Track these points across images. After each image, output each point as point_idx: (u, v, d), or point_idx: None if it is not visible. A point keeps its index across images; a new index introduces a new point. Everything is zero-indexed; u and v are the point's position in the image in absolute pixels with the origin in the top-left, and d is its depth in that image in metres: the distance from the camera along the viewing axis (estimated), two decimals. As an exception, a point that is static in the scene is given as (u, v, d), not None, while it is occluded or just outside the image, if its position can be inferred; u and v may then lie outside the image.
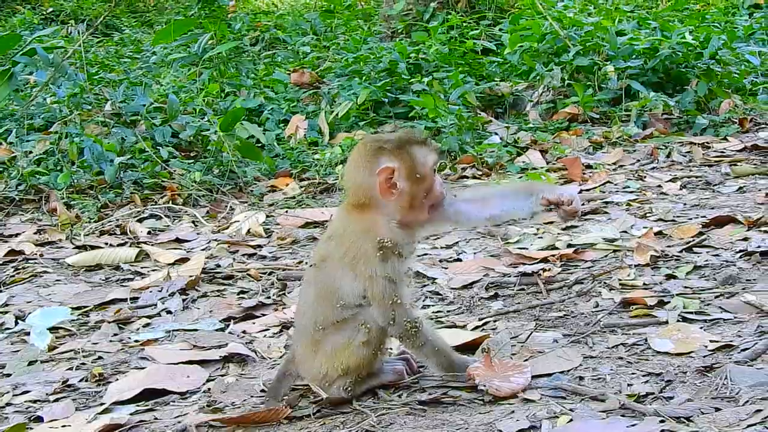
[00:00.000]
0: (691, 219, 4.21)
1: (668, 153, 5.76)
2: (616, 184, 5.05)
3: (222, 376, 2.88)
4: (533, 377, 2.57)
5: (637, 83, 6.99)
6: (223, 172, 5.52)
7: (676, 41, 7.34)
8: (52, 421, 2.64)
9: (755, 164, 5.39)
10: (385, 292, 2.47)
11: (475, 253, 3.98)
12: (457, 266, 3.79)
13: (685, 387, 2.43)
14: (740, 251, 3.64)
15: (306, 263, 4.01)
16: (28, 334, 3.39)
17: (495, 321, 3.15)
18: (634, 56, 7.26)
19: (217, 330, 3.30)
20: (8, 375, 3.04)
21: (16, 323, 3.51)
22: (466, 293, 3.49)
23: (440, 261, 3.89)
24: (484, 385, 2.46)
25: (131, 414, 2.63)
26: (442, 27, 8.35)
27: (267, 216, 4.82)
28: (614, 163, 5.62)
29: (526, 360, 2.70)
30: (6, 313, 3.64)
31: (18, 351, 3.24)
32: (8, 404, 2.79)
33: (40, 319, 3.47)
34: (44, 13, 13.78)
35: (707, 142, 6.09)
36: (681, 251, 3.71)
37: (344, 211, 2.62)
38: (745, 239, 3.79)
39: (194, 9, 8.16)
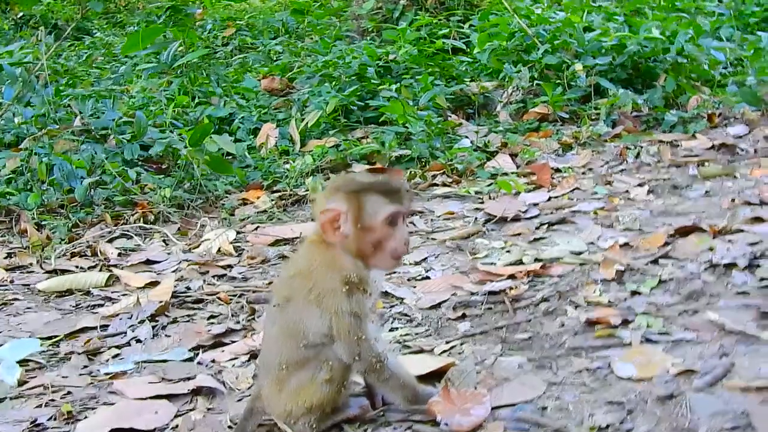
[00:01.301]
0: (657, 227, 4.25)
1: (637, 153, 5.80)
2: (584, 190, 5.09)
3: (190, 410, 2.90)
4: (497, 408, 2.60)
5: (606, 80, 7.04)
6: (194, 186, 5.51)
7: (644, 36, 7.39)
8: (21, 463, 2.65)
9: (722, 164, 5.44)
10: (351, 328, 2.49)
11: (443, 269, 4.01)
12: (426, 284, 3.82)
13: (645, 417, 2.46)
14: (705, 262, 3.67)
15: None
16: (-2, 367, 3.39)
17: (462, 344, 3.18)
18: (602, 52, 7.30)
19: (185, 360, 3.31)
20: (-23, 414, 3.04)
21: (-14, 356, 3.51)
22: (433, 314, 3.52)
23: (408, 279, 3.91)
24: (446, 423, 2.49)
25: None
26: (411, 27, 8.35)
27: (237, 233, 4.82)
28: (583, 166, 5.66)
29: (489, 389, 2.73)
30: (-24, 344, 3.64)
31: (-13, 387, 3.24)
32: (-23, 447, 2.80)
33: (9, 352, 3.46)
34: (14, 18, 13.68)
35: (676, 140, 6.14)
36: (647, 263, 3.74)
37: (309, 246, 2.63)
38: (711, 249, 3.83)
39: (162, 18, 8.13)
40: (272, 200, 5.36)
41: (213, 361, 3.28)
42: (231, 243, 4.63)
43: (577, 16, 7.98)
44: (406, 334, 3.34)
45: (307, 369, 2.52)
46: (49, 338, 3.64)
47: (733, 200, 4.54)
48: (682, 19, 8.74)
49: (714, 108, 6.70)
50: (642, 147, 5.93)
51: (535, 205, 4.86)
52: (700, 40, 7.46)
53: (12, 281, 4.38)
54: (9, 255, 4.77)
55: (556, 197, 5.01)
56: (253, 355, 3.27)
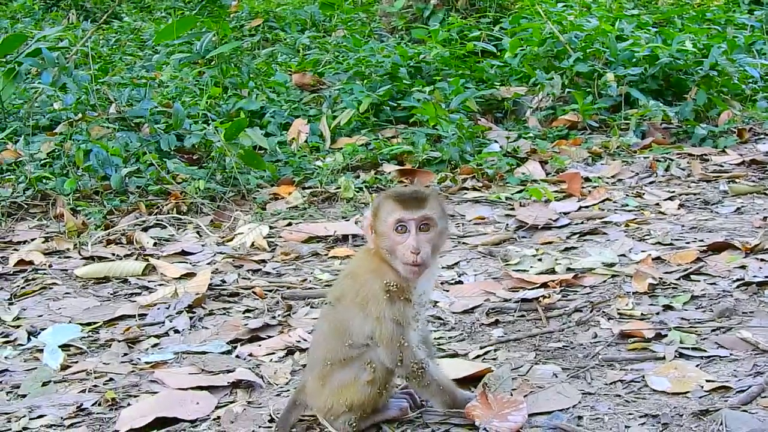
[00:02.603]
0: (688, 243, 4.30)
1: (667, 166, 5.83)
2: (614, 201, 5.13)
3: (230, 403, 2.96)
4: (533, 415, 2.66)
5: (637, 91, 7.06)
6: (226, 179, 5.58)
7: (677, 48, 7.42)
8: (67, 446, 2.72)
9: (753, 181, 5.48)
10: (393, 335, 2.55)
11: (476, 275, 4.07)
12: (459, 289, 3.87)
13: (681, 431, 2.52)
14: (737, 280, 3.73)
15: (309, 281, 4.11)
16: (40, 351, 3.46)
17: (495, 350, 3.24)
18: (634, 63, 7.33)
19: (224, 353, 3.38)
20: (24, 396, 3.11)
21: (29, 339, 3.58)
22: (467, 318, 3.57)
23: (441, 283, 3.96)
24: (485, 428, 2.55)
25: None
26: (442, 29, 8.39)
27: (270, 228, 4.88)
28: (613, 177, 5.70)
29: (525, 395, 2.78)
30: (19, 327, 3.71)
31: (32, 370, 3.31)
32: (25, 428, 2.87)
33: (52, 337, 3.54)
34: (45, -1, 13.78)
35: (706, 154, 6.18)
36: (678, 278, 3.80)
37: (364, 251, 2.75)
38: (743, 267, 3.88)
39: (192, 5, 8.19)
40: (304, 196, 5.42)
41: (251, 355, 3.35)
42: (264, 238, 4.69)
43: (609, 24, 8.00)
44: (440, 338, 3.40)
45: (351, 368, 2.59)
46: (89, 324, 3.71)
47: (765, 218, 4.58)
48: (712, 31, 8.76)
49: (744, 123, 6.74)
50: (672, 160, 5.96)
51: (566, 214, 4.91)
52: (733, 55, 7.48)
53: (50, 266, 4.46)
54: (46, 239, 4.84)
55: (586, 207, 5.05)
56: (290, 351, 3.34)
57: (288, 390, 3.01)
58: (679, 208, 4.96)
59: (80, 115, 5.94)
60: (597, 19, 8.41)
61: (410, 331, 2.58)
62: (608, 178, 5.69)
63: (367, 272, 2.61)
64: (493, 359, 3.16)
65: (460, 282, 3.99)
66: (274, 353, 3.35)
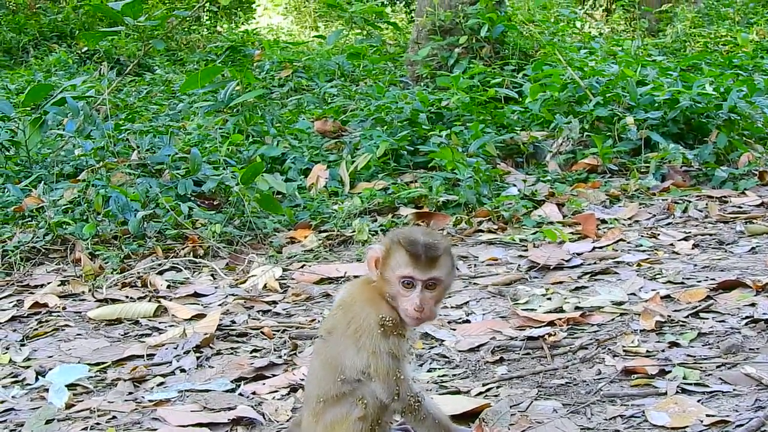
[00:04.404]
0: (700, 282, 4.26)
1: (684, 208, 5.80)
2: (628, 242, 5.10)
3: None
4: (530, 450, 2.64)
5: (657, 134, 7.06)
6: (243, 223, 5.64)
7: (697, 92, 7.42)
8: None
9: (770, 222, 5.43)
10: (389, 368, 2.52)
11: (484, 314, 4.06)
12: (466, 328, 3.87)
13: (675, 465, 2.48)
14: (746, 318, 3.69)
15: (319, 321, 4.12)
16: (47, 390, 3.50)
17: (498, 387, 3.22)
18: (654, 107, 7.34)
19: (227, 391, 3.39)
20: (26, 433, 3.15)
21: (37, 379, 3.63)
22: (472, 357, 3.56)
23: (449, 322, 3.96)
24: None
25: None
26: (465, 75, 8.47)
27: (284, 270, 4.92)
28: (629, 219, 5.67)
29: (523, 431, 2.76)
30: (28, 367, 3.76)
31: (37, 408, 3.34)
32: (24, 465, 2.90)
33: (59, 377, 3.57)
34: (79, 52, 14.12)
35: (725, 196, 6.15)
36: (687, 316, 3.76)
37: (358, 282, 2.72)
38: (753, 305, 3.84)
39: (221, 57, 8.36)
40: (319, 240, 5.46)
41: (254, 393, 3.36)
42: (277, 280, 4.72)
43: (631, 70, 8.03)
44: (444, 375, 3.39)
45: (343, 405, 2.55)
46: (98, 364, 3.75)
47: (779, 257, 4.53)
48: (738, 76, 8.76)
49: (765, 165, 6.69)
50: (690, 202, 5.93)
51: (579, 254, 4.89)
52: (753, 98, 7.46)
53: (64, 308, 4.52)
54: (62, 282, 4.91)
55: (600, 248, 5.03)
56: (293, 389, 3.34)
57: (287, 427, 3.01)
58: (693, 248, 4.92)
59: (101, 161, 6.03)
60: (618, 64, 8.46)
61: (406, 364, 2.57)
62: (625, 219, 5.67)
63: (360, 303, 2.58)
64: (495, 396, 3.14)
65: (468, 321, 3.98)
66: (277, 391, 3.36)
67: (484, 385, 3.25)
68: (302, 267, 4.99)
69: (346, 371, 2.55)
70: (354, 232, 5.48)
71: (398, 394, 2.54)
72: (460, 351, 3.62)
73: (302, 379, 3.40)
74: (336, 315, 2.64)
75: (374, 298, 2.57)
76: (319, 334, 2.69)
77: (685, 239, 5.10)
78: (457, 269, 2.61)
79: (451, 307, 4.17)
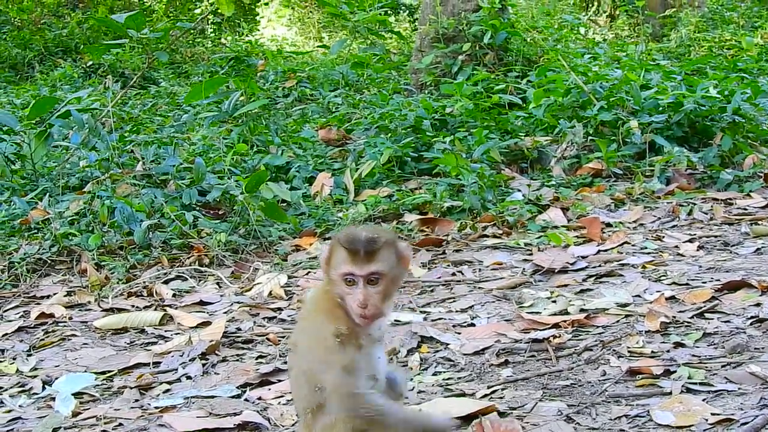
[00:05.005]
0: (705, 282, 4.26)
1: (689, 210, 5.79)
2: (633, 245, 5.10)
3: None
4: (534, 450, 2.64)
5: (661, 138, 7.05)
6: (248, 232, 5.65)
7: (701, 95, 7.42)
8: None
9: (775, 223, 5.43)
10: (342, 383, 2.40)
11: (488, 318, 4.06)
12: (470, 331, 3.87)
13: (680, 463, 2.48)
14: (751, 318, 3.68)
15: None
16: (53, 399, 3.51)
17: (503, 389, 3.22)
18: (658, 110, 7.34)
19: (233, 397, 3.40)
20: (33, 442, 3.17)
21: (43, 388, 3.64)
22: (477, 359, 3.56)
23: (453, 326, 3.96)
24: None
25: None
26: (468, 81, 8.48)
27: (289, 277, 4.93)
28: (634, 222, 5.67)
29: (524, 428, 2.76)
30: (35, 377, 3.77)
31: (43, 417, 3.36)
32: (30, 473, 2.91)
33: (65, 385, 3.59)
34: (84, 66, 14.19)
35: (730, 198, 6.14)
36: (692, 317, 3.76)
37: (321, 288, 2.59)
38: (758, 305, 3.83)
39: (225, 68, 8.40)
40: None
41: (259, 398, 3.36)
42: (282, 287, 4.73)
43: (635, 74, 8.03)
44: (449, 378, 3.39)
45: (329, 412, 2.44)
46: (104, 373, 3.76)
47: (784, 257, 4.53)
48: (743, 80, 8.75)
49: (770, 168, 6.68)
50: (695, 204, 5.93)
51: (584, 257, 4.89)
52: (757, 100, 7.45)
53: (71, 318, 4.53)
54: (69, 293, 4.93)
55: (605, 251, 5.03)
56: (298, 394, 3.34)
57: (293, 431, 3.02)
58: (698, 250, 4.91)
59: (106, 173, 6.06)
60: (621, 69, 8.46)
61: (361, 379, 2.44)
62: (630, 223, 5.66)
63: (317, 313, 2.51)
64: (500, 398, 3.14)
65: (473, 324, 3.98)
66: (282, 396, 3.36)
67: (489, 387, 3.25)
68: (307, 274, 5.00)
69: (320, 381, 2.44)
70: (359, 239, 5.47)
71: (353, 410, 2.41)
72: (465, 354, 3.62)
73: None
74: (299, 326, 2.62)
75: (331, 307, 2.47)
76: (289, 347, 2.62)
77: (690, 241, 5.09)
78: (402, 261, 2.45)
79: (456, 311, 4.17)
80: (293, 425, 3.09)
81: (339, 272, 2.41)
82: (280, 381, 3.51)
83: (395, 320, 4.06)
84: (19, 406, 3.48)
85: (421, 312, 4.20)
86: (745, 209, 5.84)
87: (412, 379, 3.38)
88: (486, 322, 4.00)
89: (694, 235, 5.24)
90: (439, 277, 4.77)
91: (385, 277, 2.43)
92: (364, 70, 11.20)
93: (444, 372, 3.47)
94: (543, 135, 7.60)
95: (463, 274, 4.82)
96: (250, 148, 7.31)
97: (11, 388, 3.67)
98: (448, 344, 3.73)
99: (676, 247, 5.00)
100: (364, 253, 2.39)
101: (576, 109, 7.70)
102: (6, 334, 4.36)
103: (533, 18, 12.93)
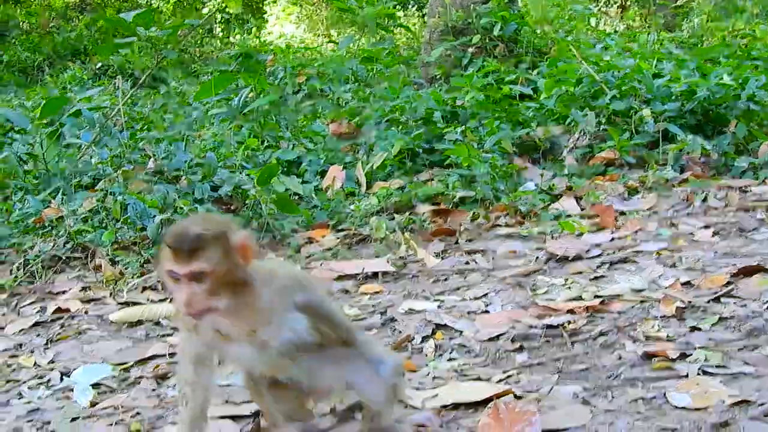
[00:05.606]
0: (720, 268, 4.24)
1: (704, 198, 5.77)
2: (648, 232, 5.08)
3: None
4: (551, 431, 2.64)
5: (675, 126, 7.02)
6: (261, 225, 5.66)
7: (715, 83, 7.38)
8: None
9: (791, 209, 5.40)
10: (178, 361, 2.65)
11: (503, 305, 4.05)
12: (485, 318, 3.87)
13: (698, 443, 2.47)
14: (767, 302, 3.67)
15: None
16: (72, 390, 3.53)
17: (519, 374, 3.22)
18: (671, 99, 7.30)
19: (249, 385, 3.40)
20: (53, 431, 3.17)
21: (61, 379, 3.66)
22: (492, 346, 3.55)
23: (468, 313, 3.96)
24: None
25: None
26: (479, 73, 8.47)
27: (302, 268, 4.93)
28: (648, 209, 5.65)
29: (540, 410, 2.76)
30: (52, 369, 3.79)
31: (62, 407, 3.37)
32: (51, 461, 2.93)
33: (83, 376, 3.60)
34: (93, 68, 14.25)
35: (745, 186, 6.11)
36: (708, 302, 3.75)
37: None
38: (774, 288, 3.82)
39: (234, 65, 8.40)
40: (337, 239, 5.47)
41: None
42: (296, 278, 4.73)
43: (647, 63, 8.00)
44: (464, 364, 3.39)
45: None
46: (121, 364, 3.77)
47: (799, 242, 4.50)
48: (757, 67, 8.70)
49: (787, 154, 6.64)
50: (710, 192, 5.90)
51: (598, 245, 4.88)
52: (771, 86, 7.41)
53: (86, 312, 4.55)
54: (84, 288, 4.94)
55: (619, 238, 5.02)
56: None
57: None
58: (713, 236, 4.90)
59: (118, 170, 6.08)
60: (633, 58, 8.42)
61: (188, 361, 2.57)
62: (644, 211, 5.64)
63: None
64: (516, 382, 3.14)
65: (487, 312, 3.98)
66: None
67: (504, 372, 3.25)
68: (320, 265, 5.00)
69: None
70: (372, 230, 5.49)
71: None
72: (480, 341, 3.62)
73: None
74: None
75: None
76: None
77: (706, 227, 5.07)
78: (240, 252, 2.40)
79: (470, 299, 4.16)
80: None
81: (164, 269, 2.38)
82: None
83: (409, 308, 4.07)
84: (38, 397, 3.50)
85: (435, 300, 4.20)
86: (761, 196, 5.81)
87: (426, 365, 3.39)
88: (500, 309, 4.00)
89: (710, 221, 5.22)
90: (453, 266, 4.77)
91: (210, 274, 2.35)
92: (373, 64, 11.19)
93: (459, 358, 3.46)
94: (555, 125, 7.58)
95: (476, 262, 4.82)
96: (261, 143, 7.32)
97: (30, 380, 3.69)
98: (462, 331, 3.72)
99: (691, 233, 4.98)
100: (187, 251, 2.33)
101: (588, 99, 7.67)
102: (23, 329, 4.38)
103: (543, 9, 12.88)
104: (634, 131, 7.11)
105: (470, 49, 9.79)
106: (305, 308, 2.52)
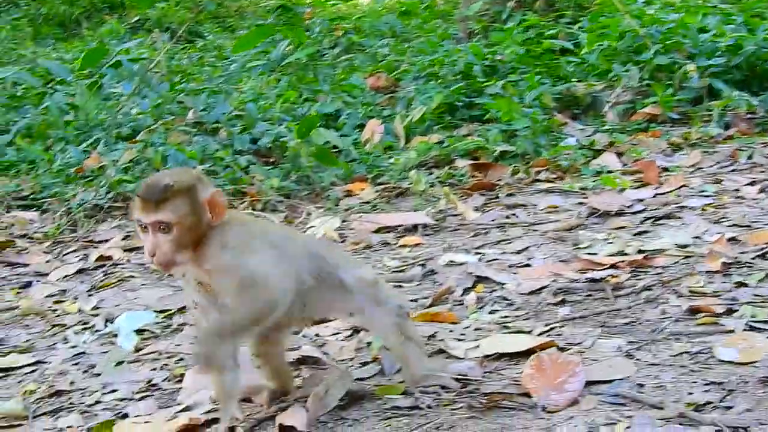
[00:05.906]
0: (767, 224, 4.18)
1: (749, 155, 5.66)
2: (692, 188, 5.01)
3: (295, 377, 2.99)
4: (595, 383, 2.62)
5: (720, 82, 6.89)
6: (300, 178, 5.66)
7: (762, 37, 7.22)
8: (136, 417, 2.82)
9: (839, 166, 5.30)
10: None
11: (544, 259, 4.03)
12: (527, 271, 3.84)
13: (746, 397, 2.45)
14: (815, 257, 3.61)
15: (378, 268, 4.13)
16: (116, 335, 3.58)
17: (561, 327, 3.20)
18: (717, 54, 7.16)
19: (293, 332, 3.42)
20: (98, 374, 3.23)
21: (105, 325, 3.71)
22: (533, 299, 3.54)
23: (510, 266, 3.94)
24: (543, 406, 2.51)
25: (207, 412, 2.76)
26: (519, 27, 8.35)
27: (342, 221, 4.93)
28: (692, 166, 5.56)
29: (583, 361, 2.75)
30: (96, 315, 3.85)
31: (107, 352, 3.42)
32: (98, 402, 2.99)
33: (126, 322, 3.65)
34: (130, 22, 14.23)
35: (792, 143, 5.99)
36: (754, 258, 3.69)
37: None
38: (822, 245, 3.75)
39: (271, 18, 8.36)
40: (376, 192, 5.46)
41: (317, 335, 3.38)
42: (335, 230, 4.74)
43: (692, 17, 7.84)
44: (506, 317, 3.38)
45: None
46: (163, 311, 3.81)
47: None
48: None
49: (835, 109, 6.50)
50: (755, 149, 5.79)
51: (641, 200, 4.82)
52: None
53: (129, 260, 4.60)
54: (125, 237, 4.99)
55: (662, 194, 4.95)
56: (356, 331, 3.36)
57: (352, 366, 3.03)
58: (759, 193, 4.81)
59: (158, 120, 6.10)
60: (678, 12, 8.25)
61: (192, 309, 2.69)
62: (687, 167, 5.56)
63: None
64: (558, 335, 3.12)
65: (528, 265, 3.95)
66: (339, 333, 3.38)
67: (546, 325, 3.23)
68: (360, 217, 5.00)
69: None
70: (411, 183, 5.47)
71: None
72: (521, 294, 3.60)
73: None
74: None
75: None
76: None
77: (751, 184, 4.98)
78: (209, 207, 2.46)
79: (512, 253, 4.14)
80: (351, 360, 3.11)
81: (133, 218, 2.47)
82: (336, 319, 3.52)
83: (449, 261, 4.06)
84: (83, 342, 3.56)
85: (475, 253, 4.18)
86: (808, 153, 5.70)
87: (468, 317, 3.38)
88: (542, 262, 3.97)
89: (755, 178, 5.13)
90: (493, 220, 4.74)
91: (176, 226, 2.40)
92: (411, 19, 11.09)
93: (501, 310, 3.45)
94: (596, 80, 7.47)
95: (517, 216, 4.79)
96: (299, 96, 7.30)
97: (75, 325, 3.75)
98: (504, 284, 3.70)
99: (737, 190, 4.90)
100: (155, 201, 2.40)
101: (630, 54, 7.54)
102: (67, 275, 4.44)
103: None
104: (677, 87, 6.99)
105: (510, 3, 9.63)
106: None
